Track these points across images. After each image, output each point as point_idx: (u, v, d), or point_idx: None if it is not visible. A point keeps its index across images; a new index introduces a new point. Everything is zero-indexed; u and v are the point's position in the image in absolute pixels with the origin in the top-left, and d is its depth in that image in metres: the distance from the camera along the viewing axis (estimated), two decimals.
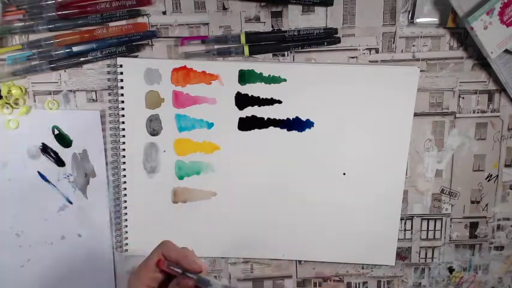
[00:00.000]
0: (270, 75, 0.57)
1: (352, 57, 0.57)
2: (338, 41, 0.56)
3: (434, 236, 0.62)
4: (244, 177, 0.59)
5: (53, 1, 0.54)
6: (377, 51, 0.57)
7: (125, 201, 0.60)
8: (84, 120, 0.58)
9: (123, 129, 0.58)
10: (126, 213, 0.60)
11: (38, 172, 0.59)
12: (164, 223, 0.60)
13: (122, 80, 0.57)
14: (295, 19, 0.56)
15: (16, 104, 0.57)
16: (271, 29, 0.56)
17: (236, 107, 0.58)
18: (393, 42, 0.56)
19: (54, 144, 0.59)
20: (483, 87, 0.58)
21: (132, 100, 0.57)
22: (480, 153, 0.60)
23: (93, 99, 0.58)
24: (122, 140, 0.58)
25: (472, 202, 0.61)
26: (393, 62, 0.57)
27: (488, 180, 0.60)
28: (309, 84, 0.57)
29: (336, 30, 0.56)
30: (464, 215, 0.61)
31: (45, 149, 0.59)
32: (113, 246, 0.61)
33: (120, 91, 0.57)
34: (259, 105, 0.57)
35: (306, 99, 0.57)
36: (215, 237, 0.61)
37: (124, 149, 0.58)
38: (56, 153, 0.59)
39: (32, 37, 0.56)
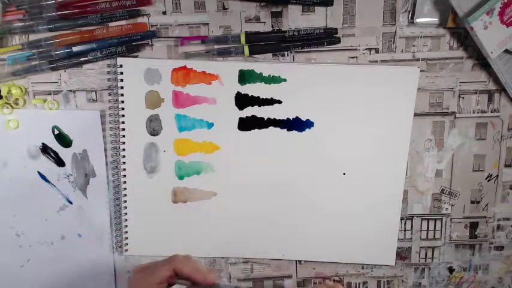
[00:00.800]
0: (270, 75, 0.57)
1: (352, 57, 0.57)
2: (338, 41, 0.56)
3: (434, 236, 0.62)
4: (244, 177, 0.59)
5: (53, 1, 0.54)
6: (377, 51, 0.57)
7: (125, 201, 0.60)
8: (84, 120, 0.58)
9: (123, 129, 0.58)
10: (126, 213, 0.60)
11: (38, 172, 0.59)
12: (164, 223, 0.60)
13: (122, 80, 0.57)
14: (295, 19, 0.56)
15: (16, 104, 0.57)
16: (271, 29, 0.56)
17: (236, 107, 0.58)
18: (393, 42, 0.56)
19: (54, 144, 0.59)
20: (483, 87, 0.58)
21: (132, 100, 0.57)
22: (480, 153, 0.60)
23: (93, 99, 0.58)
24: (122, 140, 0.58)
25: (472, 202, 0.61)
26: (393, 62, 0.57)
27: (488, 180, 0.60)
28: (309, 84, 0.57)
29: (336, 30, 0.56)
30: (464, 215, 0.61)
31: (45, 149, 0.59)
32: (113, 246, 0.61)
33: (120, 91, 0.57)
34: (259, 105, 0.57)
35: (306, 99, 0.57)
36: (215, 237, 0.61)
37: (124, 149, 0.58)
38: (56, 153, 0.59)
39: (32, 37, 0.56)
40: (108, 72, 0.57)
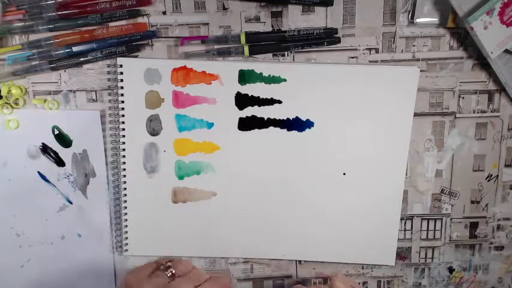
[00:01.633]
0: (270, 75, 0.57)
1: (352, 57, 0.57)
2: (338, 41, 0.56)
3: (434, 236, 0.62)
4: (244, 177, 0.59)
5: (53, 1, 0.54)
6: (377, 51, 0.57)
7: (125, 201, 0.60)
8: (84, 120, 0.58)
9: (123, 129, 0.58)
10: (126, 213, 0.60)
11: (38, 172, 0.59)
12: (164, 223, 0.60)
13: (122, 80, 0.57)
14: (295, 19, 0.56)
15: (16, 104, 0.57)
16: (271, 29, 0.56)
17: (236, 107, 0.57)
18: (393, 42, 0.56)
19: (54, 144, 0.59)
20: (483, 87, 0.58)
21: (132, 100, 0.57)
22: (480, 153, 0.60)
23: (93, 99, 0.58)
24: (122, 140, 0.58)
25: (472, 202, 0.61)
26: (393, 62, 0.57)
27: (488, 180, 0.60)
28: (309, 84, 0.57)
29: (336, 30, 0.56)
30: (464, 215, 0.61)
31: (45, 149, 0.59)
32: (112, 246, 0.61)
33: (120, 91, 0.57)
34: (259, 105, 0.57)
35: (306, 99, 0.57)
36: (215, 237, 0.61)
37: (124, 149, 0.58)
38: (56, 153, 0.59)
39: (32, 37, 0.56)
40: (108, 72, 0.57)
